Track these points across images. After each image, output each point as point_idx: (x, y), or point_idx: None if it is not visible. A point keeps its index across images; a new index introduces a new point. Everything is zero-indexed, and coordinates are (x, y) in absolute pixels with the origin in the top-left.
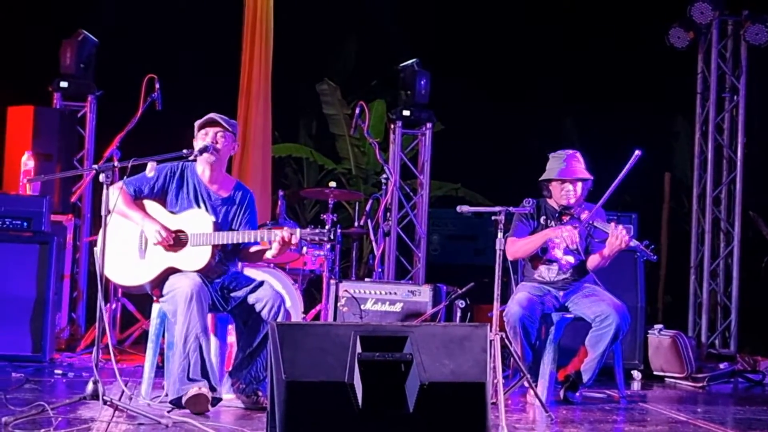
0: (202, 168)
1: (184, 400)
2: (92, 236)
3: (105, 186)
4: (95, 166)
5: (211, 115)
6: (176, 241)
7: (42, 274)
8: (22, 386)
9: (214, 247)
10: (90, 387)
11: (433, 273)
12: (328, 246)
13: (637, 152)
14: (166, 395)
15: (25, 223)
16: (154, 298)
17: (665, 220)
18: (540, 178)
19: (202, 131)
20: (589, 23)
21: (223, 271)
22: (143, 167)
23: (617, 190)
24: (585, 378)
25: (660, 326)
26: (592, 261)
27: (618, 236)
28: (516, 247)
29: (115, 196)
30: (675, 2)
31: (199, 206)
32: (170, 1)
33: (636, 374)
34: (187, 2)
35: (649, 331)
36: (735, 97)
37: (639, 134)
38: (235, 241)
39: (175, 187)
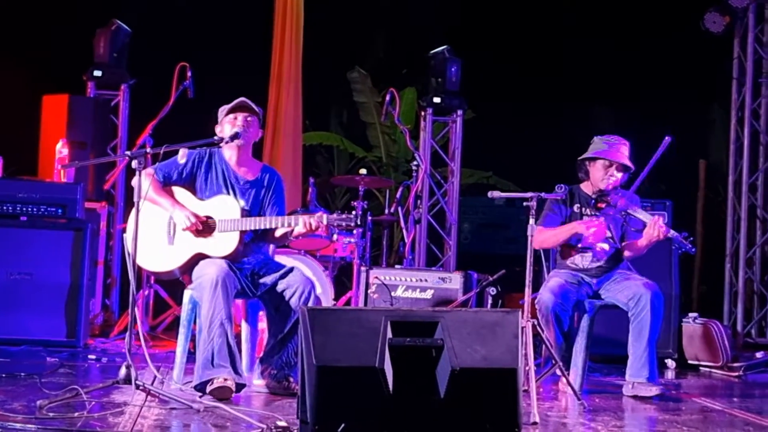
0: (229, 153)
1: (208, 389)
2: (125, 223)
3: (138, 172)
4: (128, 153)
5: (241, 99)
6: (205, 226)
7: (76, 261)
8: (56, 371)
9: (242, 232)
10: (123, 372)
11: (464, 261)
12: (359, 233)
13: (666, 138)
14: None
15: (59, 210)
16: (186, 284)
17: (700, 208)
18: (584, 156)
19: (231, 116)
20: (621, 8)
21: (253, 256)
22: (175, 153)
23: (650, 178)
24: (645, 374)
25: (695, 314)
26: (628, 250)
27: (655, 227)
28: (543, 237)
29: (145, 183)
30: None
31: (228, 190)
32: None
33: (670, 363)
34: None
35: (684, 320)
36: None
37: (673, 122)
38: (262, 227)
39: (204, 172)
